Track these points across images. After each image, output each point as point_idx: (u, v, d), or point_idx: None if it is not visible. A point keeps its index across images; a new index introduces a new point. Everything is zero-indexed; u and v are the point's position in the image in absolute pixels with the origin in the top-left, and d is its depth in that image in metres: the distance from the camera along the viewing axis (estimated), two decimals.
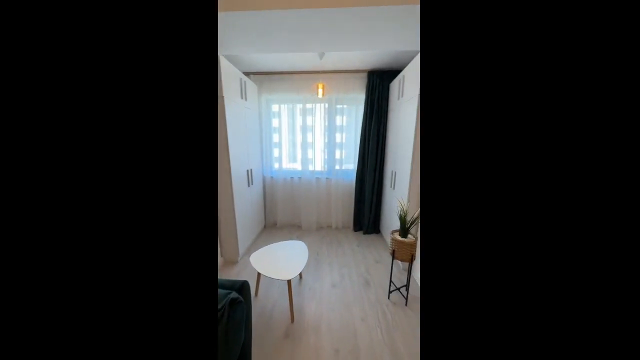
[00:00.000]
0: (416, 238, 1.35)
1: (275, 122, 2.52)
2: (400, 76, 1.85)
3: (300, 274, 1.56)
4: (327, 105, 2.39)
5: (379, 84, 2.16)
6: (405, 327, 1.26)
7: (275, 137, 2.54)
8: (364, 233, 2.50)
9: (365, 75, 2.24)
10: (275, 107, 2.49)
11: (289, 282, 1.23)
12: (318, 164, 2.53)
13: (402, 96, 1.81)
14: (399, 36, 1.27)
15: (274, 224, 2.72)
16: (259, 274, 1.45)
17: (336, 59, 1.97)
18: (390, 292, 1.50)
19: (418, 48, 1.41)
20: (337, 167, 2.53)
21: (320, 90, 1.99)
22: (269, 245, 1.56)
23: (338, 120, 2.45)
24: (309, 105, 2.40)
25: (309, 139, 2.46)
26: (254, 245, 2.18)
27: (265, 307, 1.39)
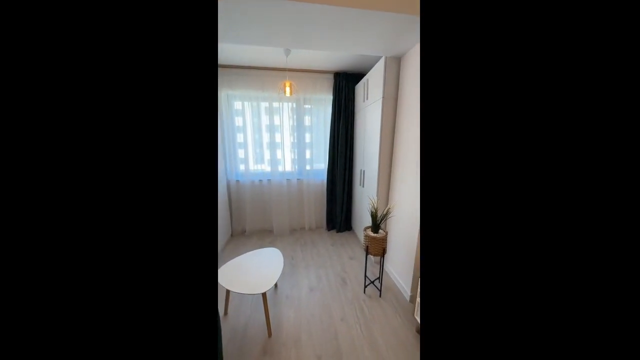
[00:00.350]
0: (386, 232, 1.44)
1: (238, 121, 2.31)
2: (364, 79, 1.95)
3: (275, 283, 1.47)
4: (294, 104, 2.33)
5: (345, 85, 2.22)
6: (381, 318, 1.33)
7: (240, 137, 2.33)
8: (337, 231, 2.54)
9: (331, 76, 2.27)
10: (238, 105, 2.29)
11: (263, 294, 1.14)
12: (288, 165, 2.45)
13: (367, 99, 1.91)
14: (364, 40, 1.32)
15: (242, 232, 2.50)
16: (227, 291, 1.29)
17: (302, 57, 1.93)
18: (365, 286, 1.57)
19: (381, 54, 1.50)
20: (307, 167, 2.50)
21: (287, 89, 1.92)
22: (238, 257, 1.42)
23: (307, 120, 2.42)
24: (275, 104, 2.29)
25: (277, 139, 2.35)
26: (220, 259, 1.96)
27: (237, 327, 1.25)
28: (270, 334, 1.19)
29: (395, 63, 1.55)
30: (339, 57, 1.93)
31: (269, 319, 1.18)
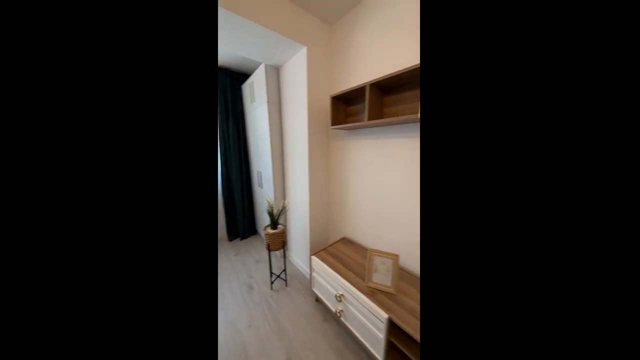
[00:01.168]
0: (284, 226, 1.57)
1: None
2: (249, 81, 1.94)
3: None
4: None
5: (230, 83, 2.09)
6: (288, 304, 1.45)
7: None
8: (242, 239, 2.38)
9: None
10: None
11: None
12: None
13: (254, 100, 1.92)
14: (244, 44, 1.31)
15: None
16: None
17: None
18: (272, 282, 1.62)
19: (261, 61, 1.57)
20: None
21: None
22: None
23: None
24: None
25: None
26: None
27: None
28: None
29: (275, 71, 1.70)
30: (219, 52, 1.76)
31: None
